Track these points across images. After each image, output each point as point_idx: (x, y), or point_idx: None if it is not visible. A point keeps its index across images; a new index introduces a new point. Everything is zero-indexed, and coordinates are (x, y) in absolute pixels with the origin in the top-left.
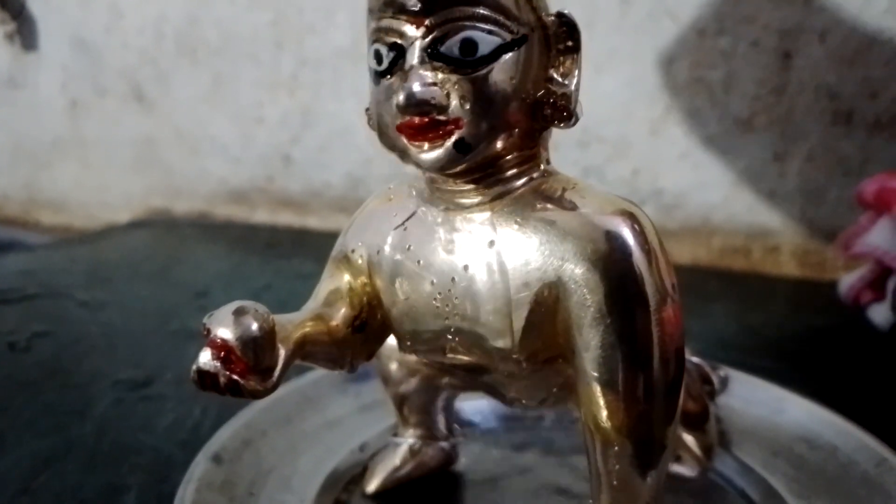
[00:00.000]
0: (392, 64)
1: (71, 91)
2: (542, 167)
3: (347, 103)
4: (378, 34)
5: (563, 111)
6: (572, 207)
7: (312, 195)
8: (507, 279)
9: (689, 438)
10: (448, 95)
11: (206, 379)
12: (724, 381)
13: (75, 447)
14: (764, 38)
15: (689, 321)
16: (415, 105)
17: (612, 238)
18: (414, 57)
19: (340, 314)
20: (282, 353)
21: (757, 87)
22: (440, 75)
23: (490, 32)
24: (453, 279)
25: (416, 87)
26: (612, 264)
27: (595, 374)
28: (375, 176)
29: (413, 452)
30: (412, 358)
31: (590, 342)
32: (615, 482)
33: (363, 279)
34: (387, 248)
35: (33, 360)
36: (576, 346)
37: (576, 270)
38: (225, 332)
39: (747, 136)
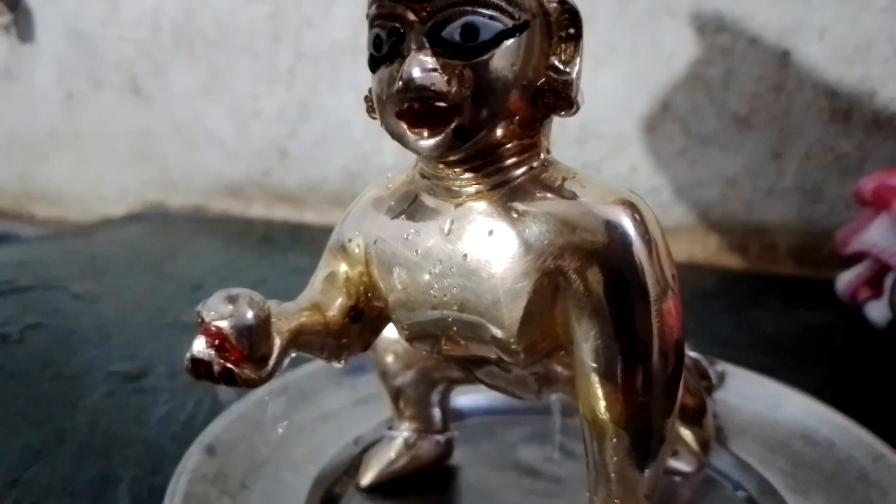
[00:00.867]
0: (392, 49)
1: (67, 83)
2: (542, 156)
3: (345, 97)
4: (378, 19)
5: (565, 99)
6: (572, 197)
7: (309, 189)
8: (506, 269)
9: (686, 433)
10: (448, 82)
11: (199, 367)
12: (721, 377)
13: (67, 439)
14: (763, 36)
15: (686, 318)
16: (414, 91)
17: (613, 228)
18: (414, 42)
19: (337, 304)
20: (277, 341)
21: (755, 84)
22: (440, 61)
23: (491, 18)
24: (452, 268)
25: (416, 73)
26: (613, 254)
27: (594, 365)
28: (372, 170)
29: (408, 446)
30: (409, 351)
31: (589, 333)
32: (613, 474)
33: (360, 269)
34: (384, 238)
35: (26, 351)
36: (574, 337)
37: (575, 260)
38: (219, 320)
39: (745, 133)
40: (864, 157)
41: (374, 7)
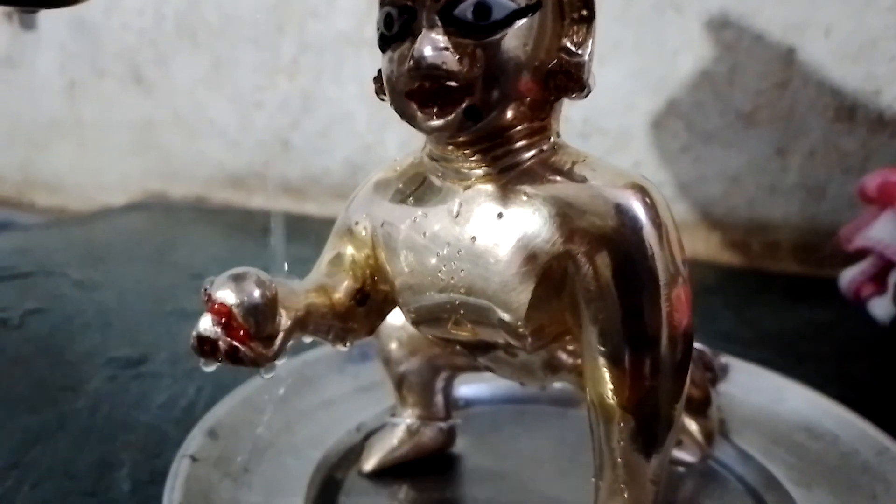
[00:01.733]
0: (403, 28)
1: (69, 72)
2: (551, 139)
3: (348, 89)
4: None
5: (576, 81)
6: (582, 180)
7: (311, 181)
8: (514, 252)
9: (690, 424)
10: (460, 61)
11: (205, 345)
12: (725, 369)
13: (68, 423)
14: (768, 33)
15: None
16: (425, 70)
17: (623, 212)
18: (426, 21)
19: (343, 286)
20: (284, 322)
21: (760, 81)
22: (452, 40)
23: None
24: (459, 251)
25: (428, 52)
26: (622, 238)
27: (602, 349)
28: (374, 162)
29: (411, 433)
30: (413, 338)
31: (597, 317)
32: (619, 459)
33: (367, 252)
34: (391, 221)
35: (26, 336)
36: (583, 321)
37: (585, 244)
38: (226, 297)
39: (749, 130)
40: (867, 154)
41: None
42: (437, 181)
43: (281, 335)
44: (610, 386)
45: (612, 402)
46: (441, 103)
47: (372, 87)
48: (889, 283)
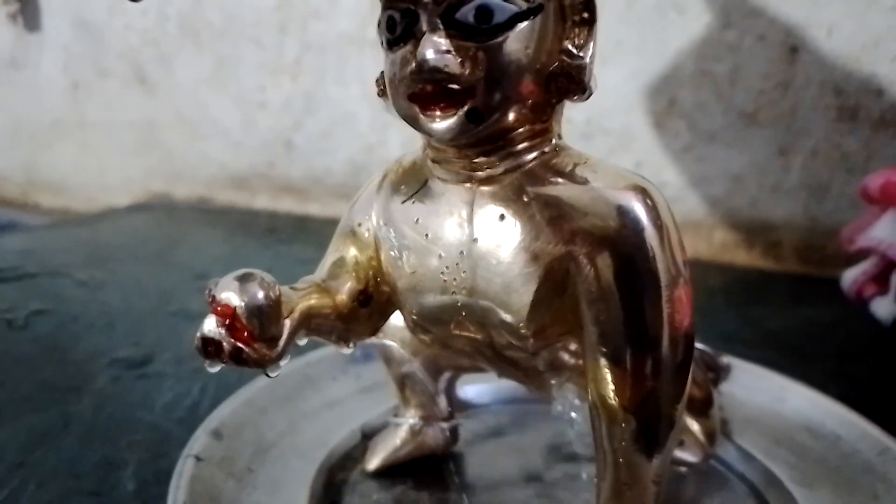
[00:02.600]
0: (405, 31)
1: (72, 72)
2: (553, 141)
3: (351, 89)
4: (392, 1)
5: (577, 83)
6: (584, 182)
7: (314, 181)
8: (517, 253)
9: (692, 424)
10: (462, 64)
11: (209, 346)
12: (727, 369)
13: (72, 423)
14: (770, 32)
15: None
16: (428, 72)
17: (624, 213)
18: (428, 24)
19: (346, 288)
20: (287, 323)
21: (762, 81)
22: (454, 43)
23: (506, 0)
24: (462, 253)
25: (430, 55)
26: (624, 239)
27: (603, 350)
28: (377, 163)
29: (413, 433)
30: (415, 338)
31: (598, 317)
32: (621, 459)
33: (370, 253)
34: (394, 222)
35: (31, 337)
36: (584, 322)
37: (586, 245)
38: (230, 298)
39: (751, 130)
40: (870, 154)
41: None
42: (439, 183)
43: (284, 336)
44: (611, 387)
45: (613, 402)
46: (443, 106)
47: (374, 87)
48: (891, 284)
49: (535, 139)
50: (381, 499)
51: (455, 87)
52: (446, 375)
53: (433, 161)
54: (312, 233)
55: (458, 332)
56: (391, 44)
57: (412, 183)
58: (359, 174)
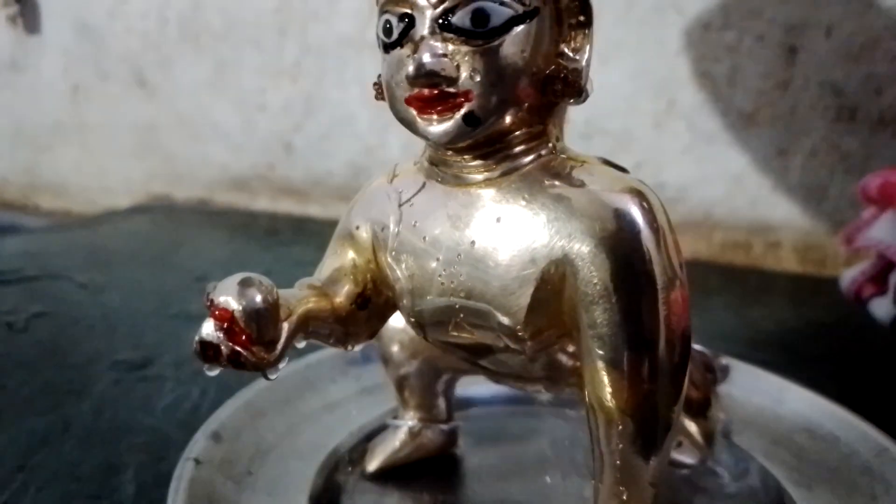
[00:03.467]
0: (402, 35)
1: (73, 75)
2: (550, 144)
3: (350, 91)
4: (389, 4)
5: (574, 87)
6: (581, 185)
7: (314, 183)
8: (514, 256)
9: (690, 426)
10: (458, 67)
11: (208, 350)
12: (726, 370)
13: (73, 426)
14: (769, 33)
15: (690, 314)
16: (424, 76)
17: (621, 216)
18: (424, 27)
19: (344, 291)
20: (285, 326)
21: (761, 81)
22: (451, 47)
23: (502, 4)
24: (459, 255)
25: (427, 59)
26: (620, 242)
27: (600, 353)
28: (377, 164)
29: (412, 435)
30: (414, 340)
31: (595, 320)
32: (618, 462)
33: (368, 256)
34: (392, 225)
35: (31, 340)
36: (581, 325)
37: (583, 248)
38: (228, 302)
39: (751, 130)
40: (869, 154)
41: None
42: (436, 185)
43: (282, 340)
44: (608, 389)
45: (610, 405)
46: (440, 109)
47: (373, 89)
48: (890, 284)
49: (533, 142)
50: (380, 501)
51: (452, 90)
52: (445, 377)
53: (431, 164)
54: (313, 234)
55: (456, 334)
56: (388, 47)
57: (410, 185)
58: (359, 176)
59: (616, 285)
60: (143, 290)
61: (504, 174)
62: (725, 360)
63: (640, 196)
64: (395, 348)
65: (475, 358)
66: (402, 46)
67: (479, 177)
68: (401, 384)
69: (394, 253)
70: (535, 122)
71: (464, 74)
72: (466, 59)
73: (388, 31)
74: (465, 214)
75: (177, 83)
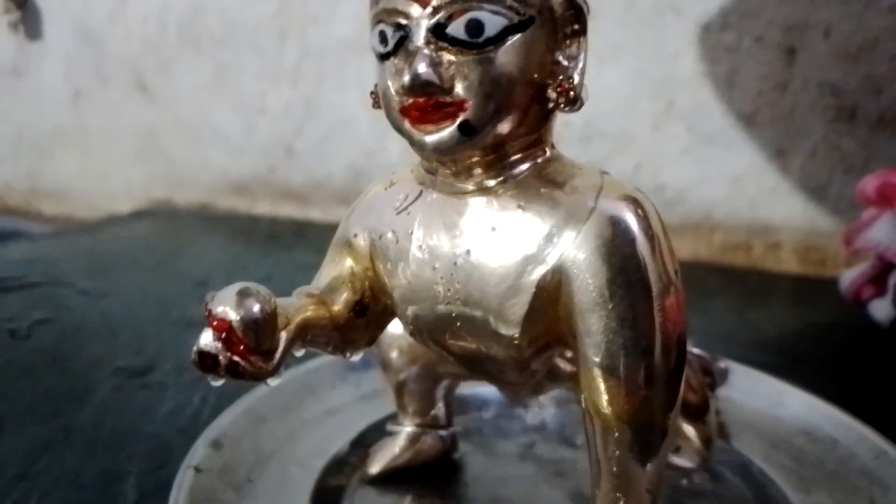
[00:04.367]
0: (397, 45)
1: (74, 80)
2: (546, 151)
3: (350, 95)
4: (383, 15)
5: (569, 95)
6: (576, 192)
7: (314, 187)
8: (510, 264)
9: (688, 430)
10: (453, 77)
11: (206, 360)
12: (724, 374)
13: (74, 433)
14: (768, 34)
15: (690, 316)
16: (420, 86)
17: (616, 223)
18: (419, 38)
19: (342, 298)
20: (283, 335)
21: (760, 82)
22: (445, 57)
23: (496, 13)
24: (455, 264)
25: (422, 69)
26: (615, 249)
27: (596, 360)
28: (377, 167)
29: (412, 441)
30: (413, 346)
31: (591, 327)
32: (615, 468)
33: (365, 264)
34: (389, 233)
35: (34, 346)
36: (577, 332)
37: (578, 255)
38: (226, 312)
39: (750, 131)
40: (868, 155)
41: (379, 2)
42: (433, 194)
43: (280, 349)
44: (605, 396)
45: (607, 411)
46: (436, 119)
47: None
48: (889, 285)
49: (528, 150)
50: None
51: (447, 100)
52: (444, 383)
53: (427, 172)
54: (313, 238)
55: (454, 342)
56: (383, 57)
57: (407, 194)
58: (359, 179)
59: (612, 292)
60: (144, 296)
61: (500, 182)
62: (724, 364)
63: (635, 203)
64: (393, 354)
65: (473, 364)
66: (397, 56)
67: (475, 185)
68: (400, 390)
69: (391, 261)
70: (531, 130)
71: (459, 84)
72: (461, 68)
73: (383, 41)
74: (461, 223)
75: (177, 87)
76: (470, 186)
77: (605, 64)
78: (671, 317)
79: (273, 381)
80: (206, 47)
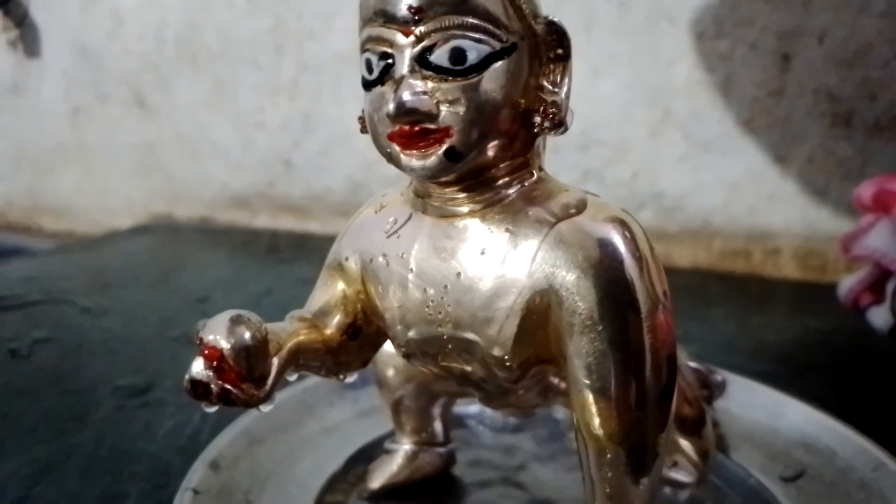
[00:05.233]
0: (383, 73)
1: (73, 97)
2: (534, 174)
3: (348, 108)
4: (369, 43)
5: (554, 119)
6: (564, 214)
7: (313, 200)
8: (499, 287)
9: (685, 444)
10: (438, 104)
11: (199, 388)
12: (722, 386)
13: (75, 454)
14: (762, 41)
15: (690, 324)
16: (405, 114)
17: (604, 245)
18: (404, 66)
19: (335, 322)
20: (275, 361)
21: (756, 89)
22: (430, 84)
23: (479, 41)
24: (446, 287)
25: (407, 97)
26: (604, 271)
27: (587, 382)
28: (376, 180)
29: (410, 458)
30: (409, 364)
31: (581, 349)
32: (608, 489)
33: (357, 287)
34: (380, 257)
35: (34, 366)
36: (568, 354)
37: (567, 277)
38: (217, 341)
39: (747, 138)
40: (865, 160)
41: (365, 31)
42: (422, 217)
43: (272, 375)
44: (597, 418)
45: (599, 433)
46: (422, 145)
47: None
48: (887, 293)
49: (515, 173)
50: None
51: (432, 126)
52: (440, 401)
53: (416, 195)
54: (313, 251)
55: (446, 363)
56: (369, 84)
57: (397, 217)
58: (358, 191)
59: (601, 314)
60: (144, 313)
61: (488, 205)
62: (721, 376)
63: (622, 225)
64: (390, 372)
65: (466, 385)
66: (383, 84)
67: (464, 209)
68: (396, 408)
69: (382, 284)
70: (517, 154)
71: (444, 111)
72: (446, 95)
73: (369, 69)
74: (450, 246)
75: (175, 103)
76: (458, 210)
77: (601, 73)
78: (661, 337)
79: (265, 408)
80: (203, 63)
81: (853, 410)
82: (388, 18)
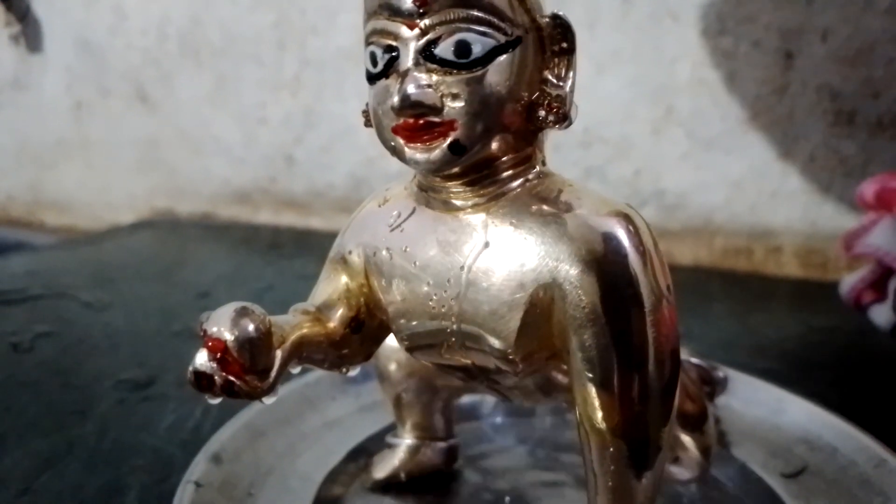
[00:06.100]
0: (387, 66)
1: (75, 92)
2: (537, 168)
3: (350, 104)
4: (373, 36)
5: (558, 113)
6: (567, 208)
7: (315, 195)
8: (503, 281)
9: (687, 440)
10: (442, 97)
11: (202, 380)
12: (724, 382)
13: (77, 447)
14: (765, 38)
15: (691, 321)
16: (409, 107)
17: (608, 239)
18: (408, 59)
19: (338, 315)
20: (278, 354)
21: (759, 87)
22: (434, 77)
23: (484, 34)
24: (449, 280)
25: (411, 90)
26: (607, 265)
27: (590, 375)
28: (378, 176)
29: (412, 453)
30: (411, 359)
31: (584, 343)
32: (611, 483)
33: (360, 280)
34: (383, 250)
35: (36, 360)
36: (571, 347)
37: (571, 271)
38: (221, 333)
39: (749, 136)
40: (868, 158)
41: (370, 24)
42: (426, 211)
43: (276, 367)
44: (599, 412)
45: (602, 426)
46: (426, 138)
47: None
48: (889, 291)
49: (519, 167)
50: None
51: (437, 119)
52: (443, 395)
53: (420, 189)
54: (315, 247)
55: (449, 357)
56: (374, 78)
57: (401, 210)
58: (360, 187)
59: (604, 308)
60: (146, 308)
61: (492, 199)
62: (723, 372)
63: (626, 219)
64: (392, 367)
65: (469, 378)
66: (387, 77)
67: (468, 202)
68: (398, 402)
69: (386, 277)
70: (521, 147)
71: (448, 104)
72: (450, 89)
73: (373, 62)
74: (454, 240)
75: (178, 98)
76: (462, 203)
77: (604, 70)
78: (664, 331)
79: (268, 400)
80: (206, 59)
81: (854, 407)
82: (394, 11)
